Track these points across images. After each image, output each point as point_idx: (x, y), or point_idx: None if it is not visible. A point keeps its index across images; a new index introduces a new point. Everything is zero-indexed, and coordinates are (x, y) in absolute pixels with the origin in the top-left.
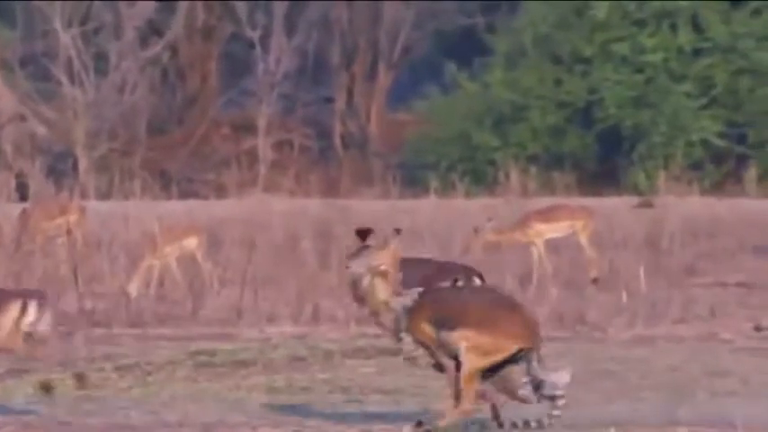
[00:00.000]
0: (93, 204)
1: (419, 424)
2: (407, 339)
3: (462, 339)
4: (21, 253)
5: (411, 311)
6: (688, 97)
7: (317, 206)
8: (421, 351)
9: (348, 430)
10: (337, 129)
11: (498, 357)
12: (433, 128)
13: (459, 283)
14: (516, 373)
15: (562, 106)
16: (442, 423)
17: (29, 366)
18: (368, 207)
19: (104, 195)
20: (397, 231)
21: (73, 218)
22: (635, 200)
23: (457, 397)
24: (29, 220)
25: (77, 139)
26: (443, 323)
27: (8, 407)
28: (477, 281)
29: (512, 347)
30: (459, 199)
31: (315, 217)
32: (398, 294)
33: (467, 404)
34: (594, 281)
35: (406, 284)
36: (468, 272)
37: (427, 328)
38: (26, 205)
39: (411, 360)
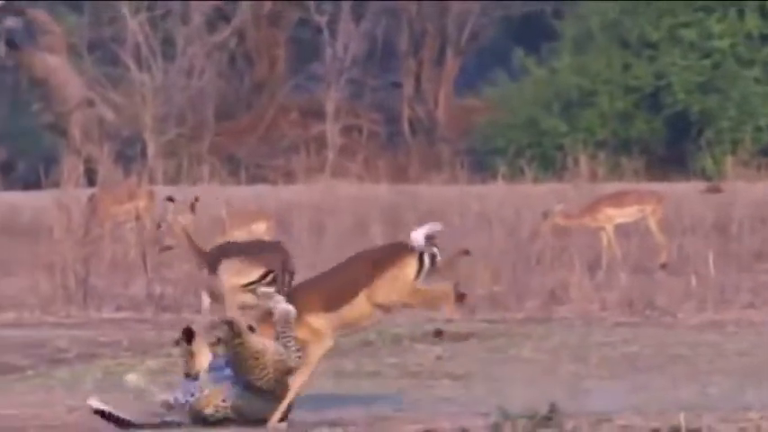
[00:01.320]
0: (161, 189)
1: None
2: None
3: (368, 296)
4: (90, 238)
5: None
6: (756, 83)
7: (386, 192)
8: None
9: (416, 415)
10: (405, 114)
11: (411, 274)
12: (501, 113)
13: None
14: None
15: (630, 91)
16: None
17: (98, 351)
18: (436, 192)
19: (172, 180)
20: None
21: (141, 203)
22: (703, 185)
23: None
24: (98, 205)
25: (145, 125)
26: (337, 302)
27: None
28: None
29: (412, 262)
30: (527, 184)
31: (383, 202)
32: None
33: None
34: (663, 266)
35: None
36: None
37: (319, 318)
38: (95, 190)
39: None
